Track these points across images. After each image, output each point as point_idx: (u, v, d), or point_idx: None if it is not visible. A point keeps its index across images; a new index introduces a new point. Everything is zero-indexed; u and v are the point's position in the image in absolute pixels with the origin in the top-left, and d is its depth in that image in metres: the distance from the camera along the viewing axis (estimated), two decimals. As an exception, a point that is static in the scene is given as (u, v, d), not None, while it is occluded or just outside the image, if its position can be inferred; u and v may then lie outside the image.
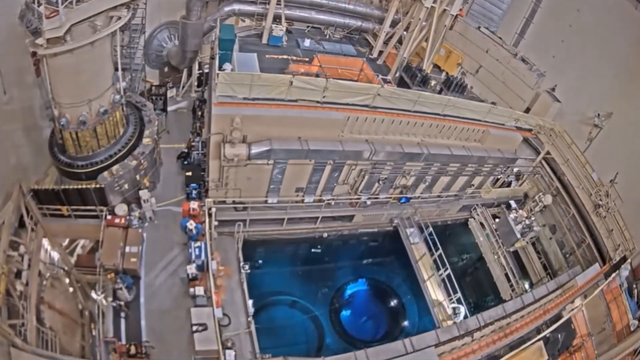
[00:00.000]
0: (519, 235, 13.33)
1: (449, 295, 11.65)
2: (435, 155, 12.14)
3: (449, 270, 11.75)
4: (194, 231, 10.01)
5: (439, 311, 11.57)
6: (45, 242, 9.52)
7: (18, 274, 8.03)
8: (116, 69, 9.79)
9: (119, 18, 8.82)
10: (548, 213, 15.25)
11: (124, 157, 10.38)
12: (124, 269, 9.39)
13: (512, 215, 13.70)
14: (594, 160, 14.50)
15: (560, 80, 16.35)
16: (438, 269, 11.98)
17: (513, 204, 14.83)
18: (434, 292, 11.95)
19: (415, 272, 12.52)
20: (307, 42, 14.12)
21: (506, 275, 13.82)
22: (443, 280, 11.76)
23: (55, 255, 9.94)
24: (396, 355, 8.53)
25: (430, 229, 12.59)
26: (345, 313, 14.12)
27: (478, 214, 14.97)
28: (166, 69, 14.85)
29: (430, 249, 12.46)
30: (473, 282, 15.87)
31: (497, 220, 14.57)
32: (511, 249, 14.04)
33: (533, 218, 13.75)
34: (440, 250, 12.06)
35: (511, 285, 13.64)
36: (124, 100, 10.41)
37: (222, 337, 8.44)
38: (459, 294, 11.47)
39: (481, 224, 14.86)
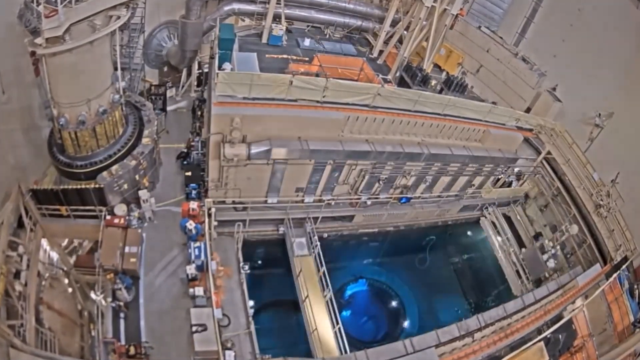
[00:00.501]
0: (547, 266, 12.99)
1: (332, 323, 9.72)
2: (435, 155, 12.09)
3: (330, 294, 9.94)
4: (194, 231, 9.97)
5: (316, 339, 9.46)
6: (44, 243, 9.49)
7: (17, 275, 7.99)
8: (115, 69, 9.74)
9: (118, 17, 8.76)
10: (549, 213, 15.22)
11: (123, 157, 10.32)
12: (124, 269, 9.35)
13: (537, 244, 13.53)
14: (595, 160, 14.46)
15: (561, 80, 16.31)
16: (323, 288, 10.15)
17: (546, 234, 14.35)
18: (313, 315, 9.74)
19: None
20: (307, 42, 14.07)
21: (517, 272, 13.85)
22: (327, 303, 9.89)
23: (55, 255, 9.91)
24: (396, 356, 8.49)
25: (317, 240, 10.88)
26: (346, 314, 14.08)
27: (490, 213, 14.93)
28: (165, 69, 14.80)
29: (319, 264, 10.54)
30: (478, 281, 15.78)
31: (523, 250, 14.35)
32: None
33: (558, 247, 13.59)
34: (324, 268, 10.31)
35: (522, 282, 13.64)
36: (123, 100, 10.36)
37: (222, 338, 8.41)
38: (340, 325, 9.53)
39: (492, 222, 14.79)
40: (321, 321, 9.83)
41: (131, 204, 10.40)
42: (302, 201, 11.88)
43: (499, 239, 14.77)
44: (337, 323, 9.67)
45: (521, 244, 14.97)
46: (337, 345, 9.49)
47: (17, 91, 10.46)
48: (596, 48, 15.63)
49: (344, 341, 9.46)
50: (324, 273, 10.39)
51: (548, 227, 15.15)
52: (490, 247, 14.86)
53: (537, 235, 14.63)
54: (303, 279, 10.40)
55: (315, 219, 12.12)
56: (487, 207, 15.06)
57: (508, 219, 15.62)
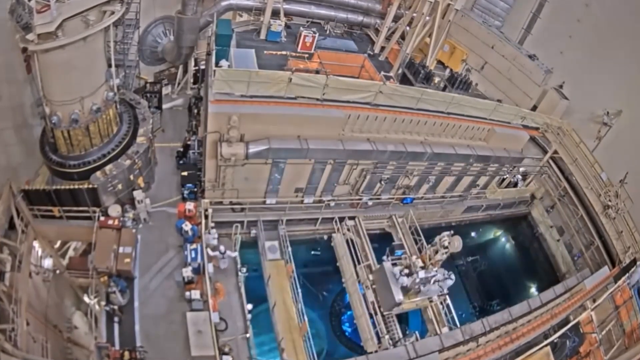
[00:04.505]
0: (399, 297, 9.15)
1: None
2: (439, 154, 11.84)
3: (301, 301, 9.43)
4: (190, 233, 9.77)
5: (287, 345, 9.00)
6: (36, 244, 9.28)
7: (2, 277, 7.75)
8: (109, 66, 9.52)
9: (112, 13, 8.56)
10: (556, 214, 14.90)
11: (118, 156, 10.12)
12: (118, 270, 9.14)
13: (396, 268, 9.42)
14: (603, 160, 14.18)
15: (568, 77, 15.93)
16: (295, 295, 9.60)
17: (407, 245, 10.67)
18: (282, 321, 9.27)
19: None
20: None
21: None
22: (298, 311, 9.36)
23: (47, 257, 9.70)
24: (399, 362, 8.27)
25: (289, 245, 10.30)
26: (346, 318, 13.83)
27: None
28: (161, 66, 14.55)
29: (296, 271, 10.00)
30: (485, 282, 15.45)
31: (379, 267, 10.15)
32: (394, 312, 9.87)
33: (435, 269, 9.41)
34: (295, 275, 9.74)
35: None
36: (118, 98, 10.16)
37: (219, 343, 8.22)
38: (309, 333, 8.98)
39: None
40: (292, 328, 9.40)
41: (126, 204, 10.21)
42: (302, 202, 11.63)
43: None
44: (307, 333, 9.19)
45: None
46: (306, 354, 9.03)
47: (8, 89, 10.27)
48: (604, 44, 15.26)
49: (313, 351, 9.03)
50: (295, 279, 10.04)
51: (555, 229, 14.84)
52: (494, 248, 14.51)
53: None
54: (273, 285, 10.01)
55: (315, 220, 11.84)
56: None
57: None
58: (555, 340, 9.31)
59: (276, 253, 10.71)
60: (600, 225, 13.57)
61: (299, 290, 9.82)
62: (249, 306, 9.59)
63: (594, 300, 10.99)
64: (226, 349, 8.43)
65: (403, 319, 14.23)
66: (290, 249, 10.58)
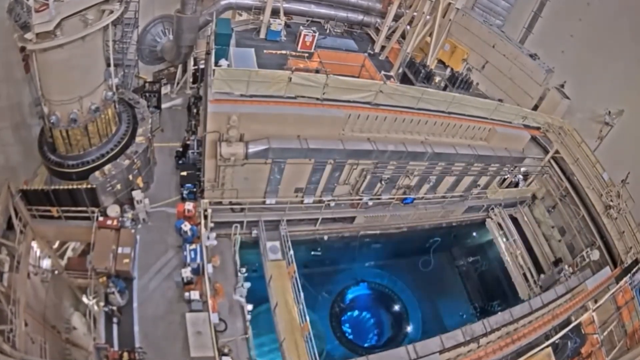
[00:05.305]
0: None
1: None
2: (439, 154, 11.78)
3: (302, 302, 9.36)
4: (189, 233, 9.72)
5: (286, 349, 8.91)
6: (35, 245, 9.24)
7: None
8: (108, 65, 9.47)
9: (111, 12, 8.51)
10: (557, 214, 14.84)
11: (117, 156, 10.07)
12: (117, 271, 9.09)
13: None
14: (605, 160, 14.09)
15: (569, 77, 15.86)
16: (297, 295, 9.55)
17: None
18: (284, 322, 9.20)
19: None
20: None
21: (524, 275, 13.62)
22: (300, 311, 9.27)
23: (45, 258, 9.66)
24: (399, 363, 8.22)
25: (290, 246, 10.34)
26: (347, 318, 13.81)
27: (496, 214, 14.69)
28: (161, 65, 14.49)
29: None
30: (484, 284, 15.49)
31: (542, 276, 13.53)
32: None
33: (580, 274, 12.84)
34: (296, 275, 9.71)
35: (529, 285, 13.45)
36: (116, 97, 10.11)
37: (219, 343, 8.17)
38: (311, 334, 8.91)
39: (499, 224, 14.52)
40: (294, 329, 9.27)
41: (124, 204, 10.15)
42: (302, 202, 11.58)
43: (505, 241, 14.50)
44: (309, 334, 9.06)
45: (528, 246, 14.62)
46: (308, 355, 8.89)
47: (6, 88, 10.23)
48: (605, 43, 15.19)
49: (315, 352, 8.91)
50: (296, 280, 9.96)
51: (556, 229, 14.77)
52: (497, 249, 14.57)
53: (557, 262, 14.09)
54: (275, 285, 9.92)
55: (315, 220, 11.80)
56: (493, 208, 14.77)
57: (515, 220, 15.33)
58: (557, 341, 9.30)
59: (278, 253, 10.67)
60: (601, 225, 13.48)
61: (301, 291, 9.77)
62: (249, 307, 9.56)
63: (596, 301, 10.95)
64: (226, 350, 8.40)
65: (403, 318, 14.25)
66: (292, 251, 10.52)
